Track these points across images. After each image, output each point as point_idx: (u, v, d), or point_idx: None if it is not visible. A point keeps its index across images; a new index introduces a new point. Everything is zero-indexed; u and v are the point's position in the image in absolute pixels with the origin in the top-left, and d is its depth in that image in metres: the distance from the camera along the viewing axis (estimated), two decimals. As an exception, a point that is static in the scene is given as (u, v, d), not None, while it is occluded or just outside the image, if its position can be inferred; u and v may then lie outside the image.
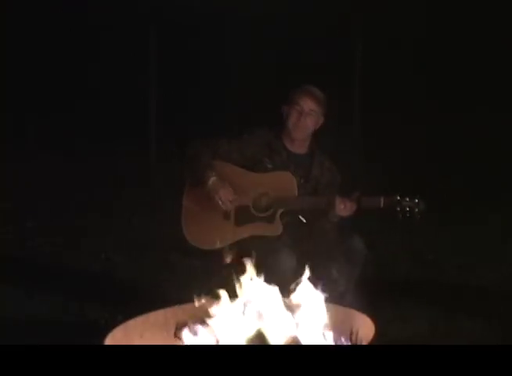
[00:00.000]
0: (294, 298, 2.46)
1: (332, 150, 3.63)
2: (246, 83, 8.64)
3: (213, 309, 2.45)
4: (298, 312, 2.41)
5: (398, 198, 3.27)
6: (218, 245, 3.32)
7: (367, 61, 8.66)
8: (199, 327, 2.43)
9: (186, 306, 2.66)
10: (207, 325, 2.44)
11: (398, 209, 3.26)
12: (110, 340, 2.40)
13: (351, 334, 2.41)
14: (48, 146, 8.02)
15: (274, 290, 2.44)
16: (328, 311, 2.42)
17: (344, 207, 3.26)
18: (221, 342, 2.37)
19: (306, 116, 3.44)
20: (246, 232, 3.36)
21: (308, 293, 2.44)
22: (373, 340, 2.31)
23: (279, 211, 3.36)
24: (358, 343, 2.36)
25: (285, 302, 2.46)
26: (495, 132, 7.88)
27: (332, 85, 8.44)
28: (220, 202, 3.34)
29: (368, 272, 3.62)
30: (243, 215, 3.39)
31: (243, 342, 2.30)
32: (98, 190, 6.64)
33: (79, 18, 8.92)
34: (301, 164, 3.50)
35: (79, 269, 4.54)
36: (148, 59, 8.31)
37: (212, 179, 3.33)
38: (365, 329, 2.42)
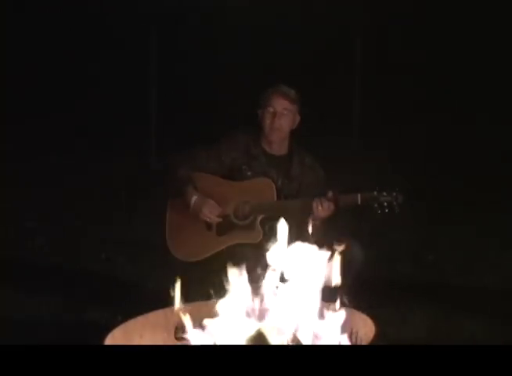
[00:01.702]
0: (293, 297, 2.45)
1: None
2: (246, 83, 8.64)
3: (212, 309, 2.45)
4: (297, 312, 2.40)
5: (375, 194, 3.24)
6: (202, 256, 3.34)
7: (367, 61, 8.67)
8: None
9: (186, 306, 2.66)
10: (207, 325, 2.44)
11: (376, 205, 3.23)
12: (110, 340, 2.40)
13: (351, 334, 2.41)
14: (48, 146, 8.02)
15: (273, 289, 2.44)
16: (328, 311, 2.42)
17: (321, 208, 3.24)
18: (221, 342, 2.37)
19: (280, 116, 3.41)
20: (227, 241, 3.37)
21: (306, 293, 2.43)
22: (373, 340, 2.31)
23: (259, 218, 3.35)
24: (358, 343, 2.36)
25: (284, 301, 2.46)
26: (495, 132, 7.88)
27: (332, 85, 8.50)
28: (207, 219, 3.37)
29: (368, 272, 3.61)
30: (224, 225, 3.41)
31: (243, 342, 2.30)
32: (98, 190, 6.64)
33: (79, 18, 8.92)
34: (281, 165, 3.48)
35: (79, 269, 4.54)
36: (148, 58, 8.31)
37: (194, 199, 3.37)
38: (365, 329, 2.42)
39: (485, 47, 8.28)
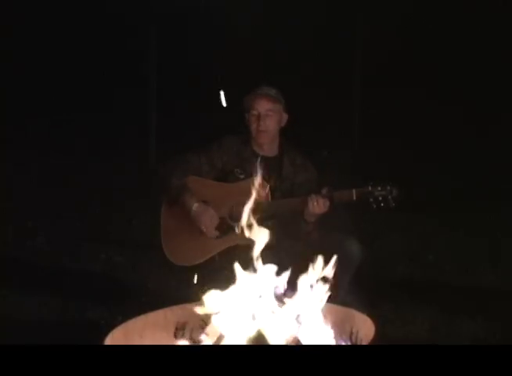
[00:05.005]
0: (293, 297, 2.46)
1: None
2: (246, 83, 8.64)
3: (212, 309, 2.45)
4: (298, 312, 2.40)
5: (370, 189, 3.24)
6: (198, 260, 3.34)
7: (367, 61, 8.67)
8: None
9: (186, 306, 2.66)
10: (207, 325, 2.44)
11: (371, 200, 3.23)
12: (110, 340, 2.40)
13: (351, 334, 2.41)
14: (49, 146, 8.02)
15: (273, 289, 2.44)
16: (328, 311, 2.42)
17: (316, 205, 3.24)
18: (222, 342, 2.37)
19: (265, 118, 3.42)
20: (224, 243, 3.36)
21: (307, 293, 2.43)
22: (373, 340, 2.31)
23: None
24: (358, 343, 2.36)
25: (284, 302, 2.46)
26: (495, 132, 7.88)
27: (332, 85, 8.51)
28: (204, 230, 3.36)
29: (368, 272, 3.62)
30: (219, 228, 3.40)
31: (243, 342, 2.30)
32: (98, 190, 6.64)
33: (79, 17, 8.93)
34: (272, 166, 3.47)
35: (79, 269, 4.54)
36: (148, 58, 8.31)
37: (195, 206, 3.36)
38: (365, 329, 2.42)
39: (483, 49, 8.29)
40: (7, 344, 2.19)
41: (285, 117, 3.51)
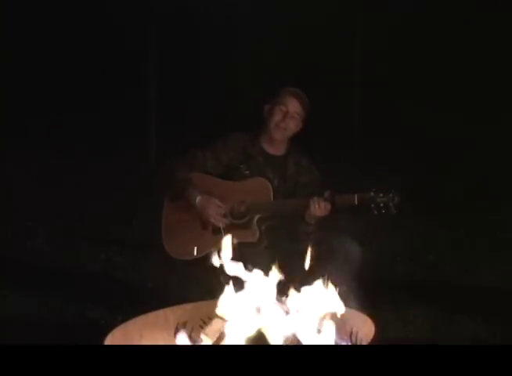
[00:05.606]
0: (293, 297, 2.45)
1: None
2: (246, 83, 8.66)
3: (212, 309, 2.45)
4: (298, 312, 2.40)
5: (372, 194, 3.23)
6: (196, 255, 3.34)
7: (367, 61, 8.68)
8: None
9: (186, 306, 2.66)
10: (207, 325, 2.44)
11: (373, 205, 3.22)
12: (110, 340, 2.40)
13: (351, 334, 2.41)
14: (49, 146, 8.03)
15: (272, 289, 2.44)
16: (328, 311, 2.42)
17: (318, 207, 3.24)
18: (222, 342, 2.37)
19: (290, 118, 3.43)
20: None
21: (307, 292, 2.43)
22: (373, 340, 2.31)
23: (256, 217, 3.35)
24: (358, 343, 2.36)
25: (284, 302, 2.46)
26: (495, 132, 7.88)
27: (332, 85, 8.52)
28: (213, 220, 3.36)
29: (368, 272, 3.61)
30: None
31: (243, 342, 2.30)
32: (98, 190, 6.64)
33: (79, 18, 8.94)
34: (277, 166, 3.48)
35: (79, 269, 4.54)
36: (148, 58, 8.31)
37: (198, 199, 3.36)
38: (365, 329, 2.42)
39: (483, 49, 8.29)
40: (7, 344, 2.19)
41: (301, 126, 3.51)
